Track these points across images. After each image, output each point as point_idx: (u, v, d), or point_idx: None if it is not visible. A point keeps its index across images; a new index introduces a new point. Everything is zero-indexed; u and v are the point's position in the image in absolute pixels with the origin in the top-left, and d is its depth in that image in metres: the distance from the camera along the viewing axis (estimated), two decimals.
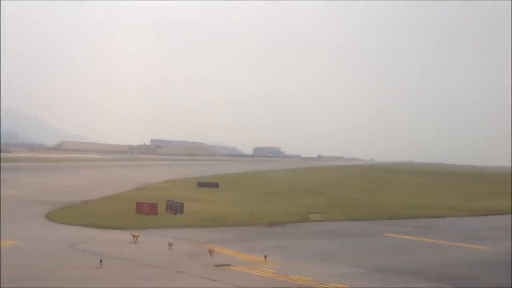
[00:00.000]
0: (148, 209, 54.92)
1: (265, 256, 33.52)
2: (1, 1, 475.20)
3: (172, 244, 36.66)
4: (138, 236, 39.10)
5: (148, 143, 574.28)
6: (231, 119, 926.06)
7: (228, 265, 31.89)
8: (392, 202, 79.86)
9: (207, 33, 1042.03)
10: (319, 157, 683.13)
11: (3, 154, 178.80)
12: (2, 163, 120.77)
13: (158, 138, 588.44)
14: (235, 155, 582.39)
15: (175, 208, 56.79)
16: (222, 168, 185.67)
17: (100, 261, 30.12)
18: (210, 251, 34.63)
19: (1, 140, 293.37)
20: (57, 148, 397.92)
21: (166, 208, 56.87)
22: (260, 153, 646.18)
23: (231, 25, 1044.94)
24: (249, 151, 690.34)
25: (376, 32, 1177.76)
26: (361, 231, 51.48)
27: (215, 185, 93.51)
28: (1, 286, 24.60)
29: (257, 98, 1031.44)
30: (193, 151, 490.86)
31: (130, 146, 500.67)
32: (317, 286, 27.66)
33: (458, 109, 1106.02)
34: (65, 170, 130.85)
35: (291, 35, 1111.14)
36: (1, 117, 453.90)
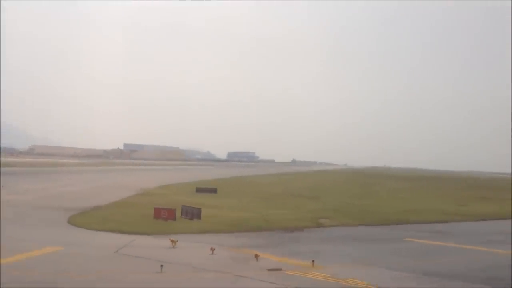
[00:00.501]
0: (167, 215, 55.58)
1: (313, 261, 34.43)
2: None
3: (214, 249, 37.62)
4: (177, 241, 40.00)
5: (121, 147, 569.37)
6: (205, 124, 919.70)
7: (280, 269, 32.69)
8: (388, 207, 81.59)
9: (182, 36, 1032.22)
10: (293, 162, 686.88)
11: None
12: None
13: (131, 142, 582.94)
14: (210, 159, 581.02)
15: (192, 213, 57.66)
16: (206, 173, 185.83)
17: (161, 266, 30.95)
18: (256, 256, 35.49)
19: None
20: (29, 153, 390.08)
21: (182, 214, 57.66)
22: (235, 157, 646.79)
23: (207, 29, 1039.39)
24: (223, 155, 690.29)
25: (351, 37, 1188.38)
26: (380, 236, 52.77)
27: (214, 191, 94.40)
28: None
29: (231, 103, 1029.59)
30: (169, 156, 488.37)
31: (104, 150, 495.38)
32: None
33: (430, 115, 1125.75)
34: (53, 175, 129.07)
35: (266, 41, 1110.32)
36: None
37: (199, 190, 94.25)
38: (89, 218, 54.45)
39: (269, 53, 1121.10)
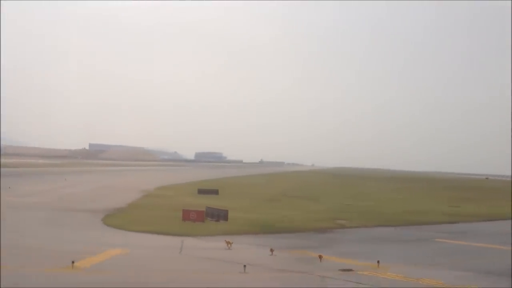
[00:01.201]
0: (195, 216, 56.32)
1: (378, 261, 35.02)
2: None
3: (273, 250, 38.31)
4: (232, 243, 40.79)
5: (86, 147, 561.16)
6: (171, 124, 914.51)
7: (352, 270, 33.40)
8: (388, 208, 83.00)
9: (151, 35, 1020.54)
10: (261, 162, 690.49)
11: None
12: None
13: (96, 142, 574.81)
14: (178, 160, 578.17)
15: (218, 215, 58.51)
16: (189, 174, 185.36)
17: (244, 266, 31.54)
18: (320, 257, 36.25)
19: None
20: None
21: (207, 215, 58.20)
22: (202, 158, 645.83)
23: (177, 29, 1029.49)
24: (190, 156, 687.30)
25: (323, 40, 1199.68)
26: (409, 237, 53.37)
27: (215, 192, 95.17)
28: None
29: (198, 103, 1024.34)
30: (138, 157, 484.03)
31: (70, 150, 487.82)
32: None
33: (391, 113, 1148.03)
34: (41, 176, 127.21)
35: (237, 42, 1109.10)
36: None
37: (201, 191, 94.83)
38: (121, 220, 54.68)
39: (239, 56, 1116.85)
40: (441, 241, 50.46)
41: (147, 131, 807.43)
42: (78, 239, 42.34)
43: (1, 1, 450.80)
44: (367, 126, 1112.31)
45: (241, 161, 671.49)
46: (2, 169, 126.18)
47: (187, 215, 56.62)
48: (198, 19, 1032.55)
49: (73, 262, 30.30)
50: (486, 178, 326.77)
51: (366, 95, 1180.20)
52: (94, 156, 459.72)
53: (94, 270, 30.46)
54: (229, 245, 40.43)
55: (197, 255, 37.29)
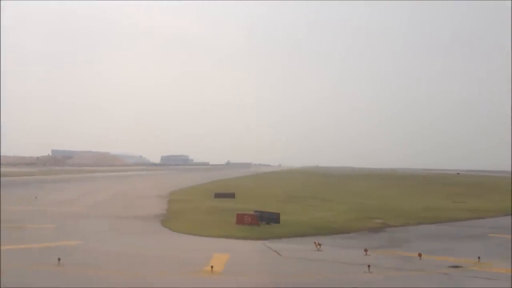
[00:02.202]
0: (250, 220, 57.41)
1: (479, 258, 35.78)
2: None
3: (367, 251, 39.41)
4: (321, 244, 41.93)
5: (49, 153, 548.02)
6: (134, 128, 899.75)
7: (461, 266, 34.37)
8: (404, 205, 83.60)
9: (111, 37, 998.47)
10: (228, 164, 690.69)
11: None
12: None
13: (58, 148, 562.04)
14: (146, 164, 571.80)
15: (268, 218, 59.58)
16: (179, 179, 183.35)
17: (368, 266, 32.51)
18: (420, 255, 37.25)
19: None
20: None
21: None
22: (169, 161, 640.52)
23: (137, 29, 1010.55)
24: (155, 159, 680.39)
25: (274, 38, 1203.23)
26: (463, 233, 54.52)
27: (232, 196, 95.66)
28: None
29: (161, 106, 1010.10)
30: (107, 162, 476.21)
31: (37, 157, 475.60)
32: None
33: (351, 117, 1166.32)
34: (41, 185, 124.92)
35: (200, 45, 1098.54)
36: None
37: (217, 195, 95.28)
38: (180, 225, 54.92)
39: (203, 59, 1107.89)
40: (496, 236, 51.49)
41: (110, 135, 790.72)
42: (172, 245, 43.07)
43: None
44: (331, 129, 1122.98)
45: (207, 163, 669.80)
46: None
47: (241, 219, 57.53)
48: (159, 22, 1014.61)
49: (212, 266, 31.38)
50: (457, 174, 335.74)
51: (329, 100, 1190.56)
52: (62, 162, 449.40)
53: (230, 272, 31.49)
54: (318, 246, 41.54)
55: (297, 257, 38.30)
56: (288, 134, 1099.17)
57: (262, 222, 58.02)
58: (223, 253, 37.92)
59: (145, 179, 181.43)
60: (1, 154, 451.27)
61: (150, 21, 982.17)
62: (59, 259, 32.23)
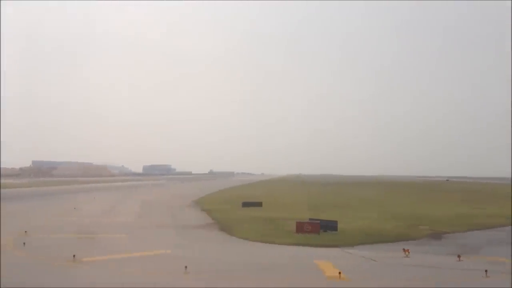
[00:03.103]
0: (310, 228, 57.86)
1: None
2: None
3: (460, 256, 40.35)
4: (409, 251, 42.69)
5: (29, 164, 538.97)
6: (115, 138, 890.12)
7: None
8: (434, 212, 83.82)
9: (86, 43, 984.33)
10: (211, 173, 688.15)
11: None
12: None
13: (38, 159, 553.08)
14: (128, 174, 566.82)
15: (325, 226, 59.64)
16: (183, 189, 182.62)
17: (486, 271, 33.38)
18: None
19: None
20: None
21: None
22: (151, 171, 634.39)
23: (122, 36, 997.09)
24: (137, 169, 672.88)
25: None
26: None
27: (260, 205, 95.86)
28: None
29: (141, 116, 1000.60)
30: (93, 172, 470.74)
31: (20, 168, 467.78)
32: None
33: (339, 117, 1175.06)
34: (59, 196, 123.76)
35: (181, 54, 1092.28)
36: None
37: (245, 204, 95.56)
38: (243, 234, 55.60)
39: (183, 69, 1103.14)
40: None
41: (90, 146, 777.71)
42: (266, 253, 43.87)
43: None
44: (313, 139, 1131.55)
45: (190, 173, 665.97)
46: None
47: (301, 227, 58.01)
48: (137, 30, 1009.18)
49: (339, 272, 32.41)
50: (447, 180, 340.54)
51: (311, 112, 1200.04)
52: (47, 173, 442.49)
53: (359, 277, 32.74)
54: (407, 253, 42.26)
55: (393, 263, 39.14)
56: (269, 144, 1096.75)
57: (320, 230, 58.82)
58: (323, 260, 38.64)
59: (151, 188, 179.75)
60: None
61: (127, 31, 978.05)
62: (185, 267, 32.78)
